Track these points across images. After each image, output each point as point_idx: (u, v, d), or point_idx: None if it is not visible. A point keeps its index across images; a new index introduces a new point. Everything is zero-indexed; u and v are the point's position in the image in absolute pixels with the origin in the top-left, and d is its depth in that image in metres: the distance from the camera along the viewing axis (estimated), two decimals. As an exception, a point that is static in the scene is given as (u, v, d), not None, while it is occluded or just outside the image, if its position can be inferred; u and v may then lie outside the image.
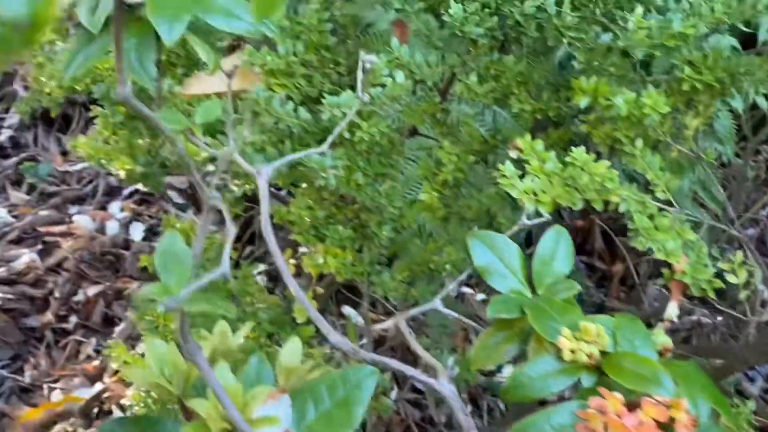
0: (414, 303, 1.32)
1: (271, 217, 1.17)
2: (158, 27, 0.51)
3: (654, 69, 1.26)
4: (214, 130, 1.05)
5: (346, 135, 1.00)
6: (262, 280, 1.77)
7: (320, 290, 1.52)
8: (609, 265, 2.30)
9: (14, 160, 2.51)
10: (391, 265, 1.29)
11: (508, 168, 0.92)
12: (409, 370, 0.63)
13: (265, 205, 0.65)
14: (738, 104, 1.79)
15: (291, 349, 0.69)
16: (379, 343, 2.02)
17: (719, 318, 2.07)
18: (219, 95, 1.05)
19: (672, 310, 0.95)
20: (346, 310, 2.08)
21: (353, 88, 1.00)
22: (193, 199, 2.32)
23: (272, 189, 1.75)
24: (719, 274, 0.94)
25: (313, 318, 0.64)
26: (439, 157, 1.13)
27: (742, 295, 0.98)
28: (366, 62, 0.77)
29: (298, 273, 1.74)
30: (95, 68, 1.20)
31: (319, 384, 0.63)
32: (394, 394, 1.91)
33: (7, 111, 2.62)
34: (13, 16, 0.37)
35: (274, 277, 2.10)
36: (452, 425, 1.86)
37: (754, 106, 1.80)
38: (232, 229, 0.59)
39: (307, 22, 1.06)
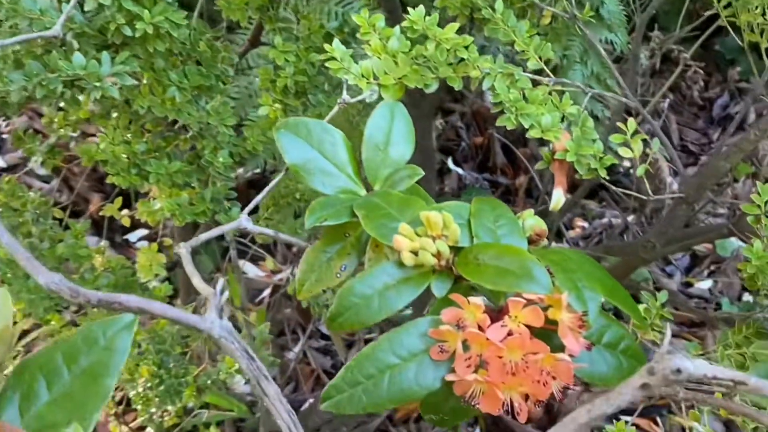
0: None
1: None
2: None
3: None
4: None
5: (128, 32, 0.78)
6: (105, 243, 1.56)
7: (169, 240, 1.31)
8: (512, 178, 2.20)
9: None
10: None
11: (336, 48, 0.73)
12: (168, 310, 0.46)
13: None
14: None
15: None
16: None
17: (630, 218, 1.97)
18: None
19: (557, 197, 0.78)
20: (246, 266, 1.90)
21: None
22: None
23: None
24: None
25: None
26: (274, 59, 0.92)
27: (640, 169, 0.82)
28: None
29: (147, 226, 1.58)
30: None
31: (52, 354, 0.45)
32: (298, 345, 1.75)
33: None
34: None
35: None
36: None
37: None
38: None
39: None
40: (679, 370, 0.41)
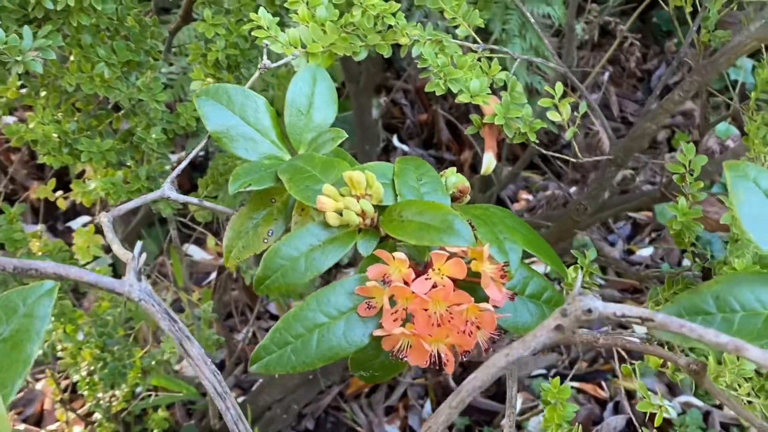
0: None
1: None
2: None
3: None
4: None
5: (49, 5, 0.77)
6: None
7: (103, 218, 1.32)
8: (457, 154, 2.23)
9: None
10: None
11: (263, 16, 0.72)
12: (86, 274, 0.46)
13: None
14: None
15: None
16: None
17: (572, 189, 2.02)
18: None
19: (488, 161, 0.79)
20: (191, 248, 1.89)
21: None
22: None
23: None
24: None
25: None
26: (204, 33, 0.90)
27: (569, 132, 0.83)
28: None
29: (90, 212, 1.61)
30: None
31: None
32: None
33: None
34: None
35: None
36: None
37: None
38: None
39: None
40: (590, 310, 0.42)
